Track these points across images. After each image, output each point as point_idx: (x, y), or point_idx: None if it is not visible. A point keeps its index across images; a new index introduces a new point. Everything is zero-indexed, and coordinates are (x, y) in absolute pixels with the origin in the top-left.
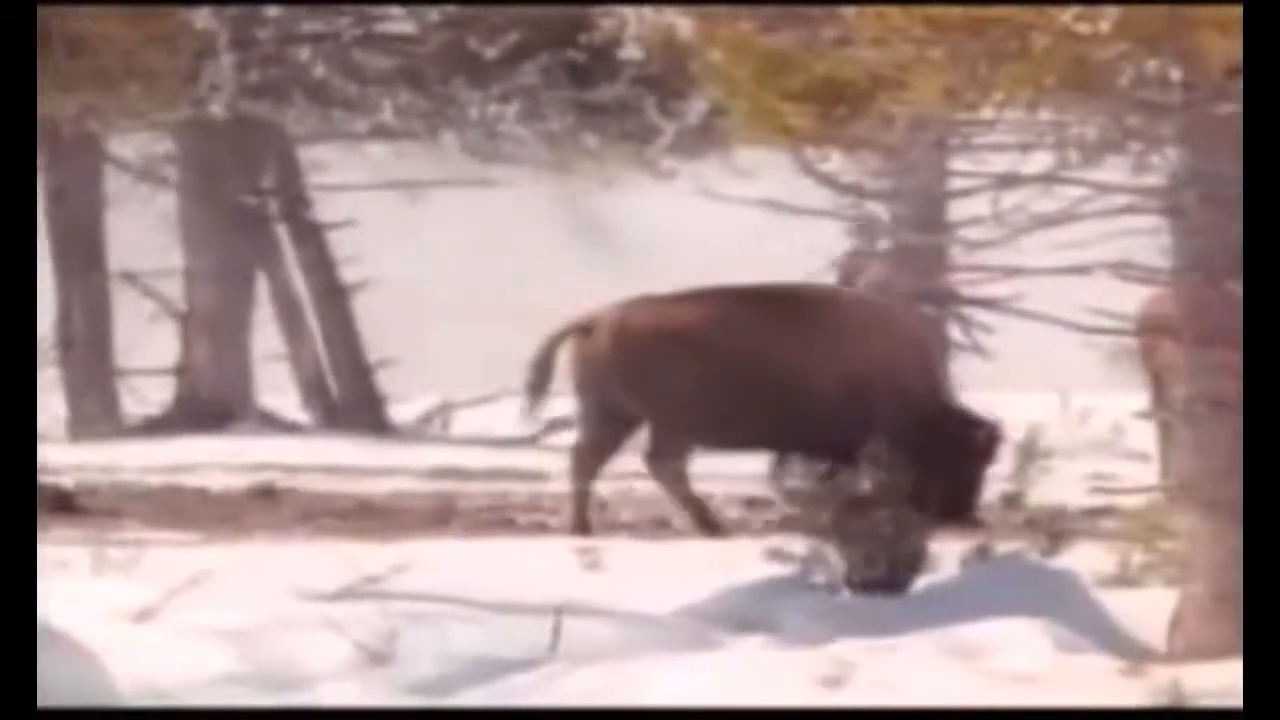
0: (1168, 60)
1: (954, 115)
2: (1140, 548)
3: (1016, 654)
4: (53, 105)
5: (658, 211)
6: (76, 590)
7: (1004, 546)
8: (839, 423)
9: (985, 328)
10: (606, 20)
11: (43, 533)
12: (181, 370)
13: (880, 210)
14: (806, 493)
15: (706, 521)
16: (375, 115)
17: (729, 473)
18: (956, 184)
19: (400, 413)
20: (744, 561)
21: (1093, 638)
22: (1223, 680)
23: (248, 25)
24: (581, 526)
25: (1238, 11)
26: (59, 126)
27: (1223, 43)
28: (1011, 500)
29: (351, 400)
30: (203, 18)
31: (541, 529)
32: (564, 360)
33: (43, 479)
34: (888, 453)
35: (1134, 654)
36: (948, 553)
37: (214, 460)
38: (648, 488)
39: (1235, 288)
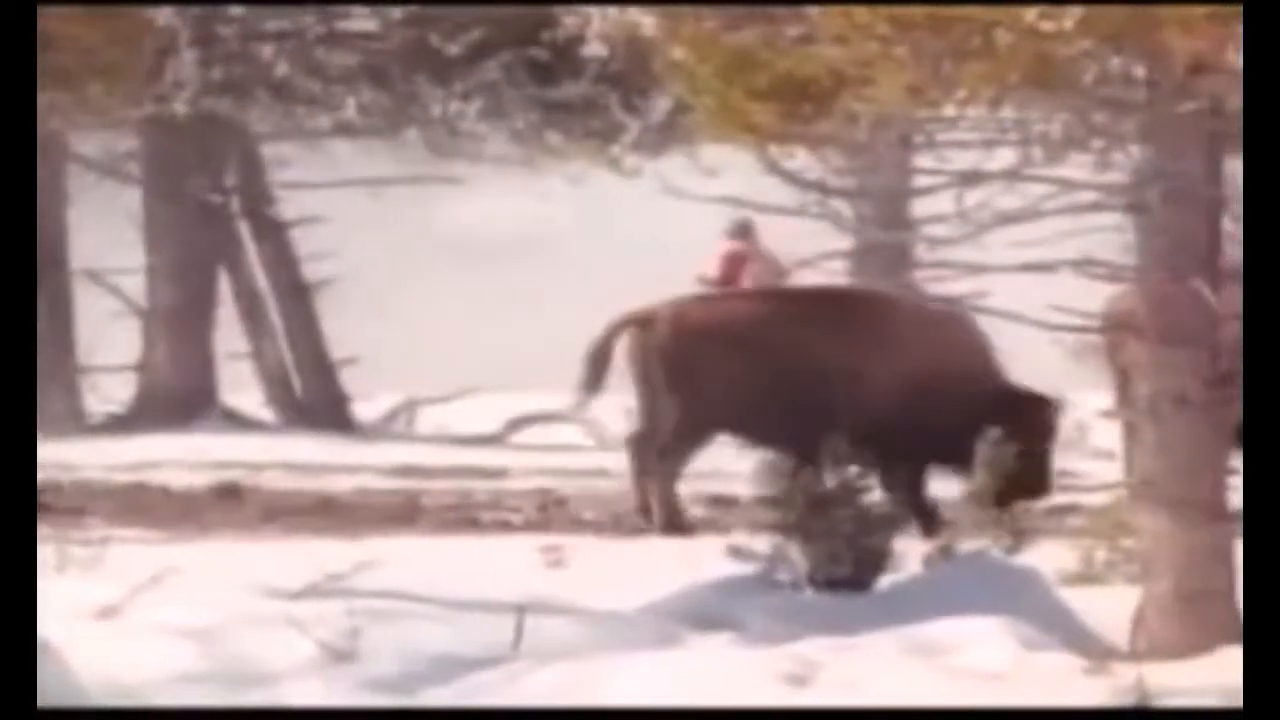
0: (1131, 58)
1: (918, 112)
2: (1104, 545)
3: (980, 652)
4: None
5: (622, 209)
6: (40, 588)
7: (967, 545)
8: (890, 422)
9: None
10: (570, 18)
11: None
12: (144, 368)
13: (844, 207)
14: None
15: (676, 524)
16: (338, 113)
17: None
18: (920, 181)
19: (364, 410)
20: (708, 560)
21: (1056, 635)
22: (1186, 678)
23: (210, 23)
24: (645, 509)
25: (1200, 10)
26: None
27: (1186, 40)
28: (975, 498)
29: (315, 398)
30: (165, 15)
31: (505, 527)
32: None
33: None
34: (849, 451)
35: (1097, 652)
36: (911, 551)
37: (177, 458)
38: (610, 486)
39: (1199, 285)
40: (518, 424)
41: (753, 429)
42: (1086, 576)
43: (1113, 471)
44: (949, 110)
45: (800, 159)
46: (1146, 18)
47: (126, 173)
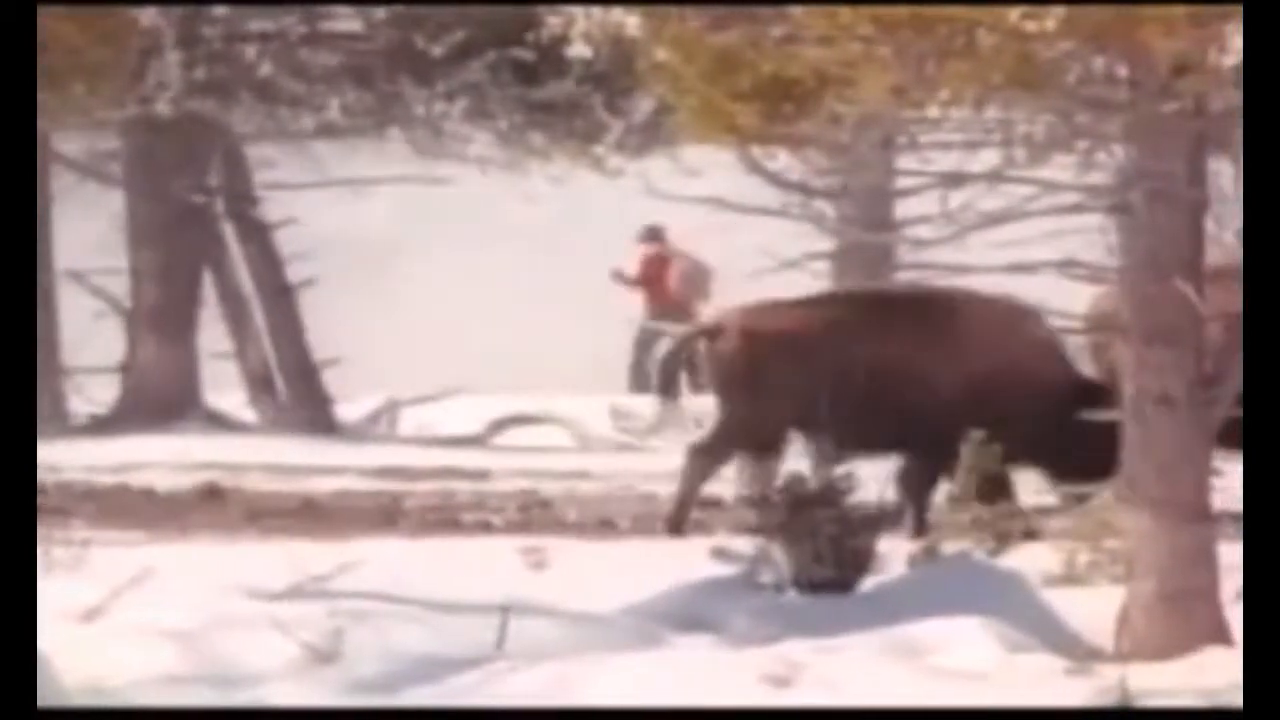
0: (1114, 58)
1: (901, 113)
2: (1087, 546)
3: (963, 653)
4: None
5: (604, 209)
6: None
7: (951, 546)
8: (960, 422)
9: None
10: (554, 18)
11: None
12: (128, 368)
13: (827, 208)
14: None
15: (678, 523)
16: (322, 113)
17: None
18: (903, 182)
19: (347, 412)
20: (691, 561)
21: (1039, 637)
22: (1169, 679)
23: (194, 23)
24: (679, 523)
25: (1183, 10)
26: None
27: (1168, 41)
28: (958, 500)
29: (298, 399)
30: (149, 16)
31: (487, 528)
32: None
33: None
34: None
35: (1080, 653)
36: (895, 552)
37: (160, 459)
38: (593, 487)
39: (1183, 285)
40: (500, 425)
41: (823, 434)
42: (1070, 578)
43: None
44: (932, 111)
45: (783, 160)
46: (1129, 18)
47: (110, 173)
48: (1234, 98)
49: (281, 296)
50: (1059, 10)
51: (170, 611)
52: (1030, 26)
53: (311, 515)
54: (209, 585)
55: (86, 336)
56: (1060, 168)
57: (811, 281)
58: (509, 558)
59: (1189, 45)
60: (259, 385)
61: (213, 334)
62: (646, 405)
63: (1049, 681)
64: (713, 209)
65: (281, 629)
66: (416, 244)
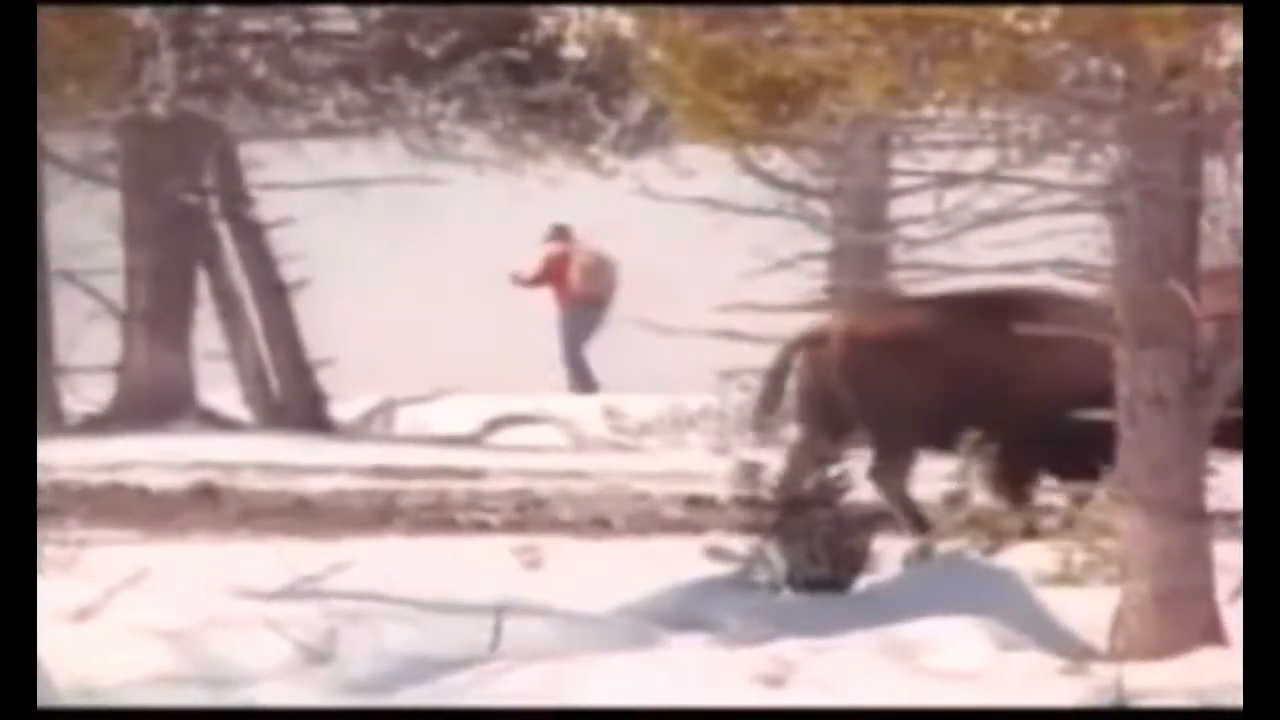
0: (1109, 59)
1: (895, 114)
2: (1082, 546)
3: (958, 653)
4: None
5: (599, 210)
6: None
7: (945, 545)
8: (1051, 419)
9: None
10: (548, 19)
11: None
12: (122, 368)
13: (822, 208)
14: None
15: (921, 521)
16: (316, 113)
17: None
18: (898, 182)
19: (342, 411)
20: (684, 560)
21: (1034, 636)
22: (1164, 679)
23: (188, 24)
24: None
25: (1178, 10)
26: None
27: (1164, 42)
28: (953, 499)
29: (292, 398)
30: (142, 16)
31: (482, 527)
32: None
33: None
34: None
35: (1075, 652)
36: (889, 551)
37: (154, 459)
38: (587, 487)
39: (1177, 286)
40: (495, 425)
41: (930, 435)
42: (1065, 578)
43: None
44: (927, 111)
45: (777, 160)
46: (1124, 18)
47: (104, 173)
48: (1228, 99)
49: (276, 296)
50: (1054, 11)
51: (164, 611)
52: (1025, 27)
53: (306, 515)
54: (203, 585)
55: (81, 336)
56: (1055, 168)
57: (807, 282)
58: (503, 557)
59: (1184, 46)
60: (253, 385)
61: (207, 334)
62: (642, 405)
63: (1044, 681)
64: (708, 209)
65: (275, 628)
66: (410, 244)
